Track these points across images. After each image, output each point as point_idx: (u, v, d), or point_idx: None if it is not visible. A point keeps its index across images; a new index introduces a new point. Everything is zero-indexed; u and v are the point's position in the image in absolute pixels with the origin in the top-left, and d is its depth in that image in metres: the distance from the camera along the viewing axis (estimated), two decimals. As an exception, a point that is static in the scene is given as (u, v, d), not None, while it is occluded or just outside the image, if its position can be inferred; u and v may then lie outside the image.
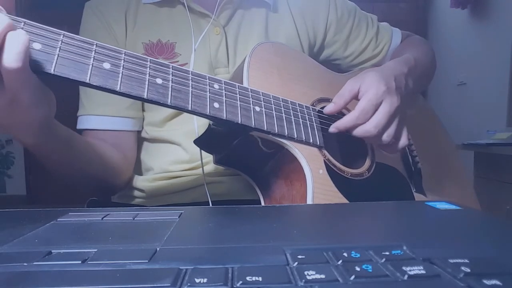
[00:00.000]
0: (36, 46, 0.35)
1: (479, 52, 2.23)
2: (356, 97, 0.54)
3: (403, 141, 0.56)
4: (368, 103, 0.52)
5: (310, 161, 0.49)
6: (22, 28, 0.35)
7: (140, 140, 0.69)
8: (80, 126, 0.64)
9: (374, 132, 0.52)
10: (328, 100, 0.59)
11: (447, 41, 2.57)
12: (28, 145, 0.44)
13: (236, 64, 0.65)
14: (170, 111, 0.63)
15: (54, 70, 0.35)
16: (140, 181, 0.65)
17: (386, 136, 0.54)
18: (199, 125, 0.58)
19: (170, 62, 0.62)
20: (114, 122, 0.64)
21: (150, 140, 0.68)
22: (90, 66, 0.37)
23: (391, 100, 0.53)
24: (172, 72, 0.42)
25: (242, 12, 0.67)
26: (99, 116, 0.63)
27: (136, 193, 0.66)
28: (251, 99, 0.47)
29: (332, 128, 0.54)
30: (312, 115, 0.54)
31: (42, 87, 0.38)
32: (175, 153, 0.64)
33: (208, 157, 0.59)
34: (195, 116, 0.58)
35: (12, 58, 0.32)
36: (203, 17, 0.64)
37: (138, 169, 0.69)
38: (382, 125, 0.52)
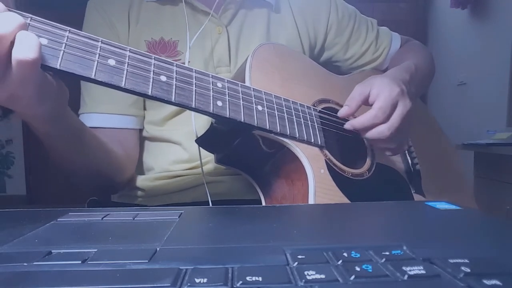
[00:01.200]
0: (43, 41, 0.35)
1: (479, 52, 2.23)
2: (366, 101, 0.54)
3: (406, 144, 0.57)
4: (385, 103, 0.52)
5: (312, 161, 0.49)
6: (29, 24, 0.35)
7: (141, 139, 0.69)
8: None
9: (387, 133, 0.52)
10: (329, 101, 0.59)
11: (447, 41, 2.57)
12: (37, 133, 0.44)
13: (238, 63, 0.65)
14: (170, 110, 0.63)
15: (60, 65, 0.35)
16: (140, 181, 0.65)
17: (397, 138, 0.54)
18: (198, 126, 0.58)
19: (172, 60, 0.62)
20: (116, 119, 0.64)
21: (150, 139, 0.68)
22: (96, 62, 0.37)
23: (404, 102, 0.54)
24: (176, 70, 0.42)
25: (245, 12, 0.67)
26: (101, 114, 0.63)
27: (137, 192, 0.66)
28: (253, 98, 0.48)
29: (348, 125, 0.54)
30: (314, 115, 0.54)
31: (48, 83, 0.38)
32: (176, 152, 0.64)
33: (208, 157, 0.59)
34: (193, 117, 0.58)
35: (29, 49, 0.32)
36: (206, 15, 0.64)
37: (139, 168, 0.69)
38: (395, 127, 0.53)
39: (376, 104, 0.53)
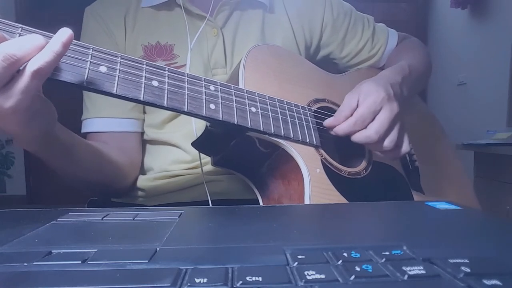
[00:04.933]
0: None
1: (479, 52, 2.23)
2: (355, 109, 0.54)
3: (405, 147, 0.57)
4: (366, 110, 0.52)
5: (307, 161, 0.49)
6: (19, 34, 0.35)
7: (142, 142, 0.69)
8: (84, 130, 0.65)
9: (375, 138, 0.52)
10: (324, 101, 0.60)
11: (447, 41, 2.57)
12: (29, 151, 0.44)
13: (234, 65, 0.65)
14: (169, 113, 0.64)
15: (51, 74, 0.35)
16: (140, 181, 0.65)
17: (388, 142, 0.54)
18: (198, 127, 0.58)
19: (168, 64, 0.62)
20: (118, 123, 0.64)
21: (150, 142, 0.68)
22: (87, 69, 0.37)
23: (390, 107, 0.54)
24: (168, 74, 0.42)
25: (239, 13, 0.67)
26: (104, 119, 0.64)
27: (137, 192, 0.66)
28: (246, 100, 0.48)
29: (332, 132, 0.54)
30: (308, 115, 0.54)
31: (42, 99, 0.38)
32: (175, 154, 0.64)
33: (207, 157, 0.59)
34: (193, 118, 0.58)
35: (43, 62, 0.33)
36: (201, 19, 0.64)
37: (140, 169, 0.69)
38: (383, 131, 0.53)
39: (357, 111, 0.53)
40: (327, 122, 0.55)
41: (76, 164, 0.52)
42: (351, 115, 0.54)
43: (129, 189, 0.66)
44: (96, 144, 0.58)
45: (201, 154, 0.57)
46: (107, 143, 0.62)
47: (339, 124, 0.54)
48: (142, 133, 0.68)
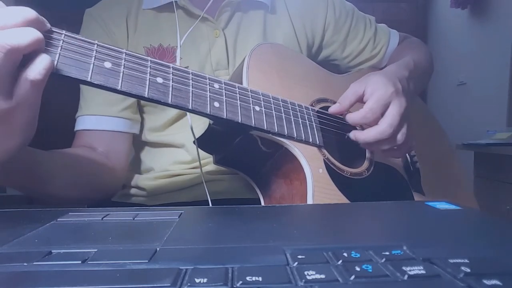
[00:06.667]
0: None
1: (479, 52, 2.23)
2: (361, 99, 0.54)
3: (413, 142, 0.56)
4: (376, 103, 0.52)
5: (310, 160, 0.49)
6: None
7: (141, 143, 0.69)
8: (77, 127, 0.65)
9: (389, 131, 0.51)
10: (327, 101, 0.59)
11: (447, 41, 2.57)
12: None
13: (236, 66, 0.65)
14: (171, 115, 0.63)
15: (55, 68, 0.35)
16: (141, 180, 0.65)
17: (401, 136, 0.53)
18: (197, 130, 0.58)
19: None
20: (108, 122, 0.64)
21: (151, 144, 0.68)
22: (92, 65, 0.37)
23: (399, 101, 0.53)
24: (173, 71, 0.42)
25: (241, 14, 0.67)
26: (94, 116, 0.63)
27: (137, 191, 0.66)
28: (250, 98, 0.48)
29: (346, 117, 0.54)
30: (312, 115, 0.54)
31: (37, 114, 0.37)
32: (177, 154, 0.64)
33: (209, 156, 0.59)
34: (191, 120, 0.58)
35: (38, 72, 0.33)
36: (202, 20, 0.64)
37: (138, 168, 0.69)
38: (396, 125, 0.52)
39: (367, 104, 0.53)
40: (332, 109, 0.55)
41: (47, 181, 0.51)
42: (355, 101, 0.54)
43: (116, 191, 0.66)
44: (76, 152, 0.58)
45: (200, 154, 0.57)
46: (96, 142, 0.62)
47: (344, 109, 0.54)
48: (135, 135, 0.67)
